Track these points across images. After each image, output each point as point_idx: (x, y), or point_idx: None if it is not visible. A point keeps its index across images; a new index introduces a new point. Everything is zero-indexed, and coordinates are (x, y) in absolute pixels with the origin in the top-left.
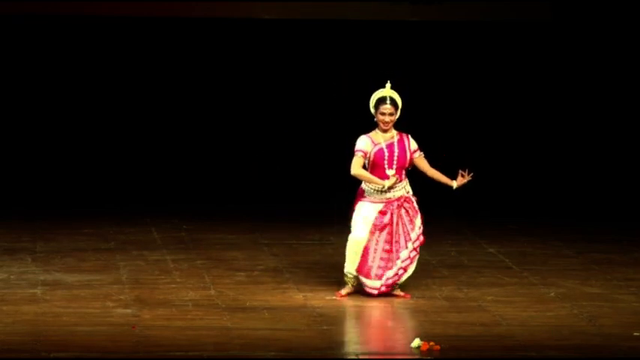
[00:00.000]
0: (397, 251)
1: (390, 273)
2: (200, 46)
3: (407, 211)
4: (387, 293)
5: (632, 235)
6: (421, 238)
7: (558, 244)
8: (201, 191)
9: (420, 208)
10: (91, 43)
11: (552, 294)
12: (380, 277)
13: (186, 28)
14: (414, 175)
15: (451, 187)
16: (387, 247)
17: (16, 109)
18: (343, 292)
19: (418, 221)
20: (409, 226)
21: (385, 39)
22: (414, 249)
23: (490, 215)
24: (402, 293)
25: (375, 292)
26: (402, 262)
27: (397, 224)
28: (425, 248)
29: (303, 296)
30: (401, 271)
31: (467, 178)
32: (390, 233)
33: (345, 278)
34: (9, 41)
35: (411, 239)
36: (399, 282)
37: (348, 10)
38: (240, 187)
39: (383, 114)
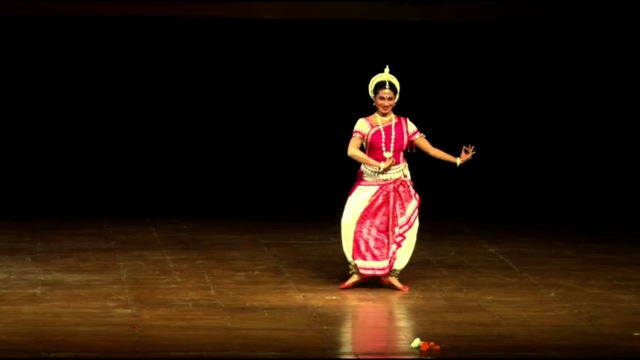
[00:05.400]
0: (393, 233)
1: (390, 254)
2: (200, 46)
3: (400, 195)
4: (386, 281)
5: (632, 235)
6: (410, 223)
7: (558, 244)
8: (201, 191)
9: (417, 193)
10: (91, 43)
11: (552, 294)
12: (376, 258)
13: (187, 28)
14: (416, 173)
15: (454, 164)
16: (383, 227)
17: (17, 109)
18: (348, 282)
19: (411, 207)
20: (398, 211)
21: (385, 39)
22: (400, 234)
23: (490, 215)
24: (400, 285)
25: (371, 272)
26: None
27: (393, 207)
28: (425, 248)
29: (303, 296)
30: (393, 254)
31: (470, 153)
32: (386, 214)
33: (350, 268)
34: (9, 41)
35: (397, 224)
36: (395, 268)
37: (348, 10)
38: (240, 187)
39: (382, 98)
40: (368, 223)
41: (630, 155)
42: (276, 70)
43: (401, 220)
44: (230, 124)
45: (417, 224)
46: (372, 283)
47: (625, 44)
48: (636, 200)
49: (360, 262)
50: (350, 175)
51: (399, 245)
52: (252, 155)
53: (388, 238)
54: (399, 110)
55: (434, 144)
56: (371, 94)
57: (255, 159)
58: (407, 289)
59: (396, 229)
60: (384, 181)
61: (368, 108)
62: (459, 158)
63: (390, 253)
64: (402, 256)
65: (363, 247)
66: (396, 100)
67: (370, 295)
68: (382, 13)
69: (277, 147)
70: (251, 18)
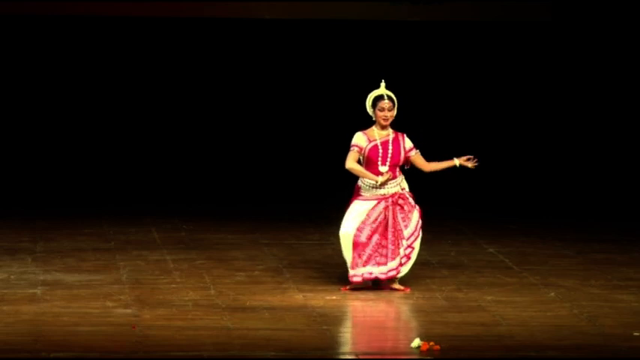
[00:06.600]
0: (396, 247)
1: (393, 264)
2: (200, 46)
3: (402, 208)
4: (387, 288)
5: (632, 235)
6: (417, 233)
7: (558, 244)
8: (201, 191)
9: (418, 203)
10: (91, 43)
11: (552, 294)
12: (366, 264)
13: (187, 28)
14: (415, 173)
15: (454, 166)
16: (379, 240)
17: (17, 109)
18: (348, 287)
19: (415, 217)
20: (402, 224)
21: (385, 39)
22: (409, 246)
23: (490, 215)
24: (401, 287)
25: (367, 275)
26: (401, 258)
27: (394, 220)
28: (425, 248)
29: (303, 296)
30: (400, 264)
31: (472, 163)
32: (385, 227)
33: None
34: (9, 41)
35: (404, 237)
36: (397, 277)
37: (348, 10)
38: (240, 187)
39: (382, 109)
40: (365, 234)
41: (630, 155)
42: (276, 70)
43: (407, 232)
44: (230, 125)
45: (420, 233)
46: (372, 283)
47: (625, 44)
48: (636, 200)
49: (357, 270)
50: (349, 176)
51: (408, 257)
52: (252, 156)
53: (388, 255)
54: (400, 115)
55: (435, 145)
56: (369, 110)
57: (255, 159)
58: (408, 290)
59: (404, 242)
60: (382, 195)
61: (366, 107)
62: (456, 159)
63: (395, 265)
64: (405, 267)
65: (361, 256)
66: (394, 113)
67: (370, 295)
68: (382, 13)
69: (277, 147)
70: (251, 18)
